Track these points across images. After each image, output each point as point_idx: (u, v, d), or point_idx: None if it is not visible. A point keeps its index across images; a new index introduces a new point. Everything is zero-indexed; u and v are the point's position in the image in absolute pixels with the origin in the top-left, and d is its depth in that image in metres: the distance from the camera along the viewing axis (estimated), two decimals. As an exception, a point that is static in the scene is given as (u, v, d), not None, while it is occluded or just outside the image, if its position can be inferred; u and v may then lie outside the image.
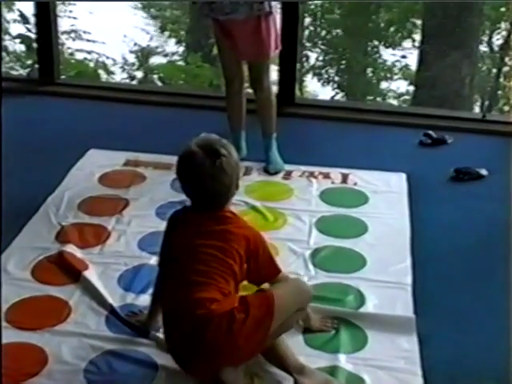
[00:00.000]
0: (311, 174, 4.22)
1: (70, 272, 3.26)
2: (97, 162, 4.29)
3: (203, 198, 2.68)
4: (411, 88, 12.01)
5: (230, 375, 2.56)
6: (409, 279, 3.31)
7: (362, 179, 4.18)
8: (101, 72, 10.38)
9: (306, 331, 2.93)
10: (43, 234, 3.59)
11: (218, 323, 2.49)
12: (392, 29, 13.04)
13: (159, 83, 10.97)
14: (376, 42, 13.00)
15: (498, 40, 12.79)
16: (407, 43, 12.89)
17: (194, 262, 2.59)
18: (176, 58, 12.67)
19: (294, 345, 2.81)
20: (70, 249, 3.42)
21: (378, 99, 12.64)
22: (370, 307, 3.11)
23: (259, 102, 4.18)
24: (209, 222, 2.67)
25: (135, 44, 11.79)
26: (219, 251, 2.60)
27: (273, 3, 3.92)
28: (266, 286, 2.75)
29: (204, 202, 2.68)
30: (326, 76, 12.76)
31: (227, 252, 2.61)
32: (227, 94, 4.24)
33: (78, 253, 3.40)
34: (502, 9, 12.60)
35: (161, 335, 2.82)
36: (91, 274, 3.24)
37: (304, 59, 12.33)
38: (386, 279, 3.30)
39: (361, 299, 3.16)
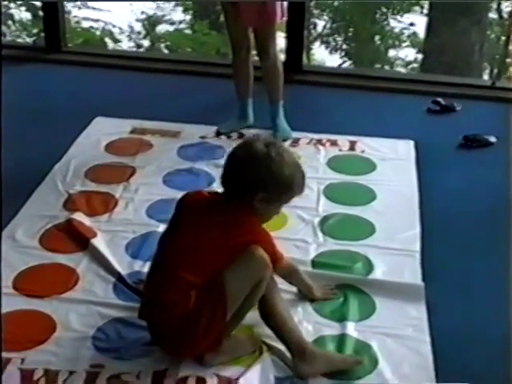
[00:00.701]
0: (319, 142, 4.20)
1: (78, 240, 3.26)
2: (103, 130, 4.28)
3: (236, 181, 2.58)
4: (419, 56, 11.95)
5: (208, 359, 2.60)
6: (417, 246, 3.30)
7: (370, 146, 4.16)
8: (107, 40, 10.36)
9: (313, 301, 2.92)
10: (51, 202, 3.58)
11: (173, 326, 2.52)
12: (400, -4, 12.94)
13: (166, 51, 10.94)
14: (384, 9, 12.91)
15: (507, 7, 12.69)
16: (416, 10, 12.81)
17: (186, 234, 2.57)
18: (183, 26, 12.61)
19: (303, 313, 2.83)
20: (78, 216, 3.41)
21: (386, 67, 12.57)
22: (378, 274, 3.11)
23: (265, 69, 4.15)
24: (214, 209, 2.62)
25: (142, 12, 11.73)
26: (213, 243, 2.54)
27: None
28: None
29: (234, 188, 2.59)
30: (333, 43, 12.69)
31: (224, 245, 2.54)
32: (234, 61, 4.21)
33: (86, 220, 3.40)
34: (511, -25, 12.48)
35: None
36: (99, 242, 3.24)
37: (312, 27, 12.26)
38: (394, 246, 3.29)
39: (369, 266, 3.15)
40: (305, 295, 2.93)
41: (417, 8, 12.82)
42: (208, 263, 2.53)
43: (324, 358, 2.62)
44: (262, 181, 2.55)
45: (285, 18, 4.11)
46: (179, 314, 2.51)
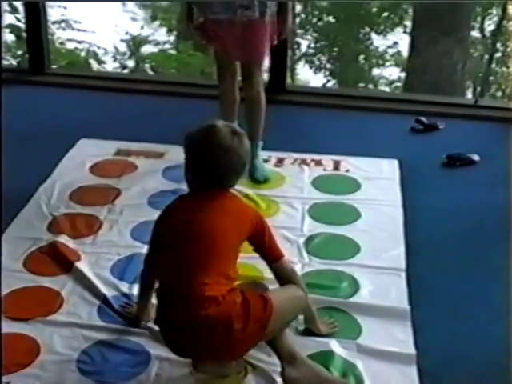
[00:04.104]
0: (303, 161, 4.21)
1: (63, 262, 3.25)
2: (88, 152, 4.27)
3: (218, 172, 2.63)
4: (403, 74, 12.01)
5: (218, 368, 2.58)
6: (403, 265, 3.31)
7: (354, 166, 4.18)
8: (92, 62, 10.35)
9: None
10: (35, 224, 3.57)
11: (214, 329, 2.43)
12: (383, 15, 13.03)
13: (151, 72, 10.94)
14: (368, 29, 12.99)
15: (489, 26, 12.79)
16: (399, 30, 12.89)
17: (200, 237, 2.54)
18: (167, 46, 12.64)
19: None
20: (63, 239, 3.41)
21: (370, 86, 12.63)
22: (364, 294, 3.11)
23: (248, 99, 4.03)
24: (214, 200, 2.64)
25: (126, 33, 11.75)
26: (224, 228, 2.57)
27: (268, 10, 3.78)
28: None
29: (216, 178, 2.64)
30: (317, 63, 12.74)
31: (234, 229, 2.59)
32: (219, 86, 4.14)
33: (70, 243, 3.39)
34: (494, -6, 12.59)
35: (152, 326, 2.81)
36: (83, 265, 3.23)
37: (296, 46, 12.31)
38: (379, 265, 3.30)
39: (355, 286, 3.16)
40: (307, 322, 2.89)
41: (400, 28, 12.90)
42: (227, 253, 2.56)
43: (314, 368, 2.63)
44: (240, 167, 2.66)
45: (274, 43, 3.97)
46: (219, 317, 2.44)
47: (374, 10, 13.12)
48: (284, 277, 2.76)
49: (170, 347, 2.59)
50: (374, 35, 12.97)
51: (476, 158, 4.28)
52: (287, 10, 3.85)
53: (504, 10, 12.22)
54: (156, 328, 2.72)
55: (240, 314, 2.44)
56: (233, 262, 2.58)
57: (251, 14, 3.75)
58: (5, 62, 9.48)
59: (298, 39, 12.48)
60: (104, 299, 3.03)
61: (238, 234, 2.61)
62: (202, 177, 2.66)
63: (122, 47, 11.50)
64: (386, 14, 12.97)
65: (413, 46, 10.44)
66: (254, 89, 3.97)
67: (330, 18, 13.08)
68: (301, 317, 2.86)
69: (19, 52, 9.32)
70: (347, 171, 4.14)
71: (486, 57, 12.38)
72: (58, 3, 9.79)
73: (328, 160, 4.23)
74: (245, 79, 4.01)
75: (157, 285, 2.66)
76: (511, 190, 3.86)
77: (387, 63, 12.86)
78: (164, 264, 2.60)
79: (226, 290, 2.47)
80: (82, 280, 3.14)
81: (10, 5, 9.19)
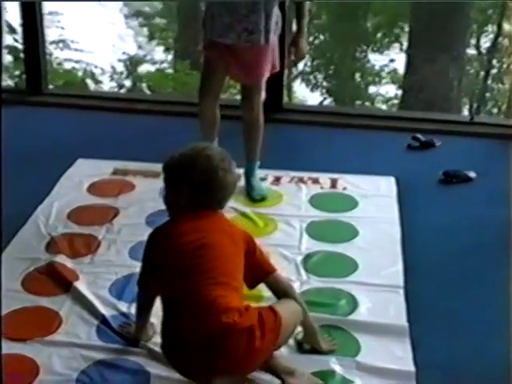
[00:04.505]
0: (300, 180, 4.22)
1: (61, 282, 3.26)
2: (85, 172, 4.29)
3: (220, 192, 2.71)
4: (399, 92, 12.05)
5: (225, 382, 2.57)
6: (401, 282, 3.32)
7: (351, 183, 4.19)
8: (89, 82, 10.38)
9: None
10: (33, 244, 3.58)
11: (239, 336, 2.47)
12: (380, 33, 13.07)
13: (148, 91, 10.96)
14: (364, 47, 13.03)
15: (485, 43, 12.84)
16: (395, 47, 12.93)
17: (206, 259, 2.58)
18: (165, 65, 12.67)
19: (286, 351, 2.82)
20: (61, 259, 3.41)
21: (367, 104, 12.66)
22: (362, 311, 3.12)
23: (247, 122, 4.03)
24: (210, 220, 2.70)
25: (123, 53, 11.79)
26: (229, 248, 2.63)
27: (272, 36, 3.79)
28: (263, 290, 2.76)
29: (217, 199, 2.72)
30: (314, 81, 12.78)
31: (235, 248, 2.64)
32: (200, 103, 4.03)
33: (68, 263, 3.40)
34: (490, 11, 12.65)
35: (151, 345, 2.82)
36: (82, 284, 3.23)
37: (292, 65, 12.34)
38: (378, 282, 3.31)
39: (353, 303, 3.17)
40: (307, 339, 2.89)
41: (396, 45, 12.94)
42: (237, 270, 2.63)
43: (312, 377, 2.67)
44: (234, 188, 2.78)
45: (276, 70, 3.99)
46: (244, 325, 2.48)
47: (370, 27, 13.18)
48: (280, 290, 2.78)
49: (181, 368, 2.59)
50: (370, 53, 13.02)
51: (472, 174, 4.29)
52: (302, 36, 3.89)
53: (499, 27, 12.32)
54: (156, 348, 2.72)
55: (258, 323, 2.50)
56: (241, 278, 2.63)
57: (255, 39, 3.76)
58: (2, 83, 9.53)
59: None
60: (103, 319, 3.03)
61: (238, 252, 2.65)
62: (201, 198, 2.68)
63: (120, 67, 11.53)
64: (382, 31, 13.03)
65: (409, 63, 10.48)
66: (253, 111, 3.97)
67: (327, 37, 13.14)
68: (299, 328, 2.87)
69: (17, 72, 9.35)
70: (344, 189, 4.15)
71: (482, 73, 12.43)
72: (56, 23, 9.83)
73: (325, 178, 4.24)
74: (244, 101, 4.00)
75: (156, 306, 2.67)
76: (510, 207, 3.87)
77: (383, 81, 12.89)
78: (173, 283, 2.60)
79: (242, 303, 2.54)
80: (81, 300, 3.14)
81: (9, 26, 9.23)
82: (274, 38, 3.83)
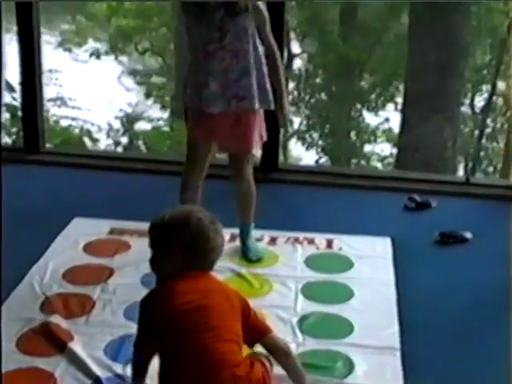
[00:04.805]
0: (296, 240, 4.23)
1: (56, 343, 3.24)
2: (81, 231, 4.29)
3: (214, 253, 2.74)
4: (395, 150, 12.12)
5: None
6: (397, 344, 3.31)
7: (347, 244, 4.20)
8: (86, 139, 10.44)
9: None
10: (28, 304, 3.57)
11: None
12: (375, 93, 13.20)
13: (144, 149, 11.02)
14: (359, 106, 13.15)
15: (479, 102, 12.95)
16: (390, 106, 13.05)
17: (209, 318, 2.58)
18: (161, 123, 12.76)
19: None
20: (55, 319, 3.40)
21: (362, 162, 12.72)
22: (359, 374, 3.10)
23: (239, 191, 3.97)
24: (204, 281, 2.71)
25: (120, 110, 11.88)
26: (227, 307, 2.63)
27: (264, 102, 3.75)
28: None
29: (211, 260, 2.74)
30: (309, 140, 12.86)
31: (232, 307, 2.65)
32: (186, 179, 3.94)
33: (63, 323, 3.38)
34: (484, 71, 12.80)
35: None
36: (77, 345, 3.21)
37: (288, 124, 12.41)
38: (374, 344, 3.29)
39: (350, 366, 3.15)
40: None
41: (391, 105, 13.06)
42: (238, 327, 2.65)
43: None
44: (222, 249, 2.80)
45: (264, 140, 3.93)
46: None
47: (366, 86, 13.31)
48: (277, 351, 2.78)
49: None
50: (365, 112, 13.13)
51: (468, 235, 4.30)
52: (283, 99, 3.81)
53: (494, 86, 12.46)
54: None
55: (264, 373, 2.59)
56: (241, 334, 2.65)
57: (246, 105, 3.70)
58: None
59: (290, 116, 12.59)
60: (98, 380, 3.00)
61: (235, 311, 2.66)
62: (193, 260, 2.70)
63: (116, 124, 11.61)
64: (377, 91, 13.15)
65: (404, 122, 10.56)
66: (244, 179, 3.92)
67: (323, 96, 13.25)
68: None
69: (14, 130, 9.41)
70: (340, 249, 4.15)
71: (477, 133, 12.53)
72: (54, 81, 9.91)
73: (321, 238, 4.25)
74: (234, 170, 3.94)
75: (153, 367, 2.66)
76: (508, 267, 3.88)
77: (379, 139, 12.98)
78: (175, 342, 2.59)
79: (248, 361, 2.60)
80: (76, 361, 3.12)
81: (7, 84, 9.30)
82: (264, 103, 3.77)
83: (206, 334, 2.56)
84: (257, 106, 3.73)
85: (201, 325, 2.57)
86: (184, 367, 2.56)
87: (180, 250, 2.68)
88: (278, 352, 2.78)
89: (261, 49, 3.73)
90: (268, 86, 3.76)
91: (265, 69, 3.75)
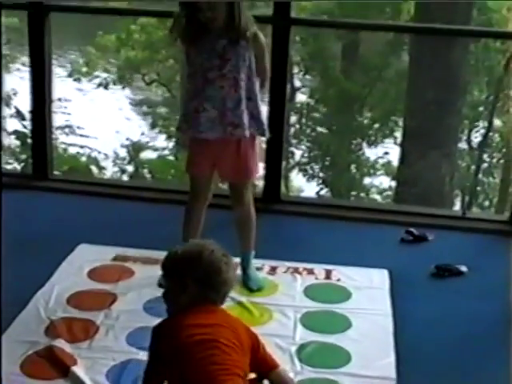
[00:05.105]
0: (296, 270, 4.22)
1: (59, 366, 3.23)
2: (86, 257, 4.29)
3: (228, 286, 2.76)
4: (394, 183, 12.15)
5: None
6: (393, 374, 3.30)
7: (345, 275, 4.19)
8: (92, 167, 10.47)
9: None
10: (32, 327, 3.56)
11: None
12: (374, 127, 13.25)
13: (149, 176, 11.05)
14: (359, 140, 13.19)
15: (476, 138, 13.00)
16: (389, 140, 13.10)
17: (218, 352, 2.59)
18: (166, 152, 12.80)
19: None
20: (59, 343, 3.39)
21: (362, 194, 12.75)
22: (356, 403, 3.10)
23: (239, 218, 3.99)
24: (214, 314, 2.72)
25: (127, 139, 11.92)
26: (235, 342, 2.64)
27: (258, 130, 3.78)
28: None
29: (224, 292, 2.76)
30: (310, 172, 12.89)
31: (240, 342, 2.65)
32: (189, 208, 3.98)
33: (66, 347, 3.37)
34: (481, 108, 12.86)
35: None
36: (80, 369, 3.20)
37: (290, 156, 12.47)
38: (370, 374, 3.28)
39: (347, 396, 3.14)
40: None
41: (390, 139, 13.10)
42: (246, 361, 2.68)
43: None
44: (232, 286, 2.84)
45: (260, 172, 3.99)
46: None
47: (366, 121, 13.36)
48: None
49: None
50: (365, 146, 13.18)
51: (464, 269, 4.30)
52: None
53: (490, 123, 12.51)
54: None
55: None
56: (247, 368, 2.67)
57: (240, 132, 3.72)
58: (9, 167, 9.62)
59: (291, 149, 12.66)
60: (98, 404, 3.00)
61: (243, 345, 2.67)
62: (206, 293, 2.72)
63: (123, 152, 11.64)
64: (377, 125, 13.20)
65: (403, 157, 10.59)
66: (244, 206, 3.94)
67: (323, 129, 13.30)
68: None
69: (23, 156, 9.46)
70: (338, 280, 4.15)
71: (473, 168, 12.56)
72: (63, 109, 9.97)
73: (320, 269, 4.24)
74: (234, 198, 3.96)
75: None
76: (505, 299, 3.88)
77: (378, 172, 13.01)
78: (185, 373, 2.60)
79: None
80: (78, 385, 3.12)
81: (18, 112, 9.37)
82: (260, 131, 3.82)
83: (212, 366, 2.56)
84: (248, 133, 3.74)
85: (207, 357, 2.58)
86: None
87: (193, 283, 2.70)
88: None
89: (256, 79, 3.76)
90: (262, 115, 3.81)
91: (259, 98, 3.78)
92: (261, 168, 3.98)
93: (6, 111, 10.27)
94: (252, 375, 2.78)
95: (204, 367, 2.56)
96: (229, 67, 3.67)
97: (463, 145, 12.64)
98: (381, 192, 12.77)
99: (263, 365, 2.77)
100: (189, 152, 3.94)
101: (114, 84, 14.25)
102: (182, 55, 3.93)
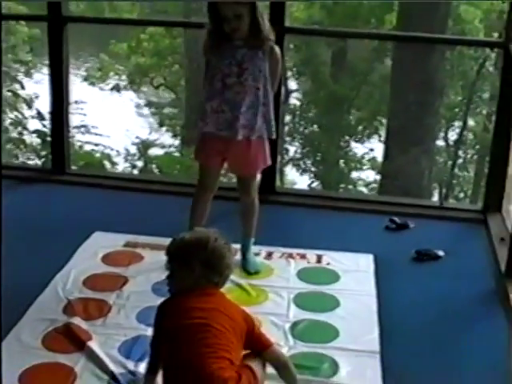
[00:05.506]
0: (290, 255, 4.22)
1: (76, 342, 3.24)
2: (100, 243, 4.28)
3: (220, 272, 2.75)
4: (378, 177, 12.17)
5: None
6: (377, 348, 3.31)
7: (335, 259, 4.19)
8: (106, 162, 10.47)
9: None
10: (52, 306, 3.57)
11: None
12: (361, 126, 13.26)
13: (157, 171, 11.05)
14: (347, 137, 13.20)
15: (452, 136, 13.02)
16: (374, 138, 13.11)
17: (209, 335, 2.59)
18: (172, 149, 12.80)
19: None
20: (76, 321, 3.40)
21: (350, 187, 12.77)
22: (343, 374, 3.10)
23: (244, 206, 4.01)
24: (213, 300, 2.72)
25: (137, 137, 11.92)
26: (229, 326, 2.63)
27: (266, 132, 3.79)
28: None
29: (217, 278, 2.75)
30: (303, 166, 12.90)
31: (234, 326, 2.65)
32: (196, 196, 3.97)
33: (82, 324, 3.38)
34: (456, 109, 12.87)
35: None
36: (94, 344, 3.22)
37: (284, 152, 12.48)
38: (356, 348, 3.30)
39: (335, 366, 3.15)
40: None
41: (375, 137, 13.11)
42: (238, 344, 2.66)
43: None
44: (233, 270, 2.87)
45: (268, 165, 3.96)
46: None
47: (353, 120, 13.37)
48: (278, 363, 2.83)
49: None
50: (352, 143, 13.19)
51: (441, 253, 4.31)
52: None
53: (465, 122, 12.53)
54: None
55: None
56: (238, 351, 2.65)
57: (252, 133, 3.74)
58: (31, 162, 9.63)
59: (286, 145, 12.67)
60: (112, 376, 3.01)
61: (236, 329, 2.66)
62: (211, 276, 2.73)
63: (133, 149, 11.64)
64: (363, 124, 13.22)
65: (386, 153, 10.60)
66: (250, 197, 3.96)
67: (315, 128, 13.31)
68: None
69: (43, 153, 9.45)
70: (328, 264, 4.15)
71: (450, 163, 12.58)
72: (79, 110, 9.96)
73: (311, 254, 4.24)
74: (241, 189, 3.98)
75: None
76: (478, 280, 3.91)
77: (364, 167, 13.03)
78: (178, 353, 2.61)
79: (237, 371, 2.58)
80: (93, 358, 3.12)
81: (38, 113, 9.36)
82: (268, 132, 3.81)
83: (203, 349, 2.56)
84: (257, 135, 3.75)
85: (199, 340, 2.58)
86: (180, 377, 2.59)
87: (200, 266, 2.70)
88: (278, 364, 2.83)
89: (270, 87, 3.75)
90: (272, 117, 3.80)
91: (271, 104, 3.77)
92: (269, 161, 3.95)
93: (29, 113, 10.29)
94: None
95: (195, 349, 2.57)
96: (246, 75, 3.65)
97: (441, 142, 12.66)
98: (367, 184, 12.79)
99: (258, 345, 2.78)
100: (199, 142, 3.91)
101: (125, 88, 14.25)
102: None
